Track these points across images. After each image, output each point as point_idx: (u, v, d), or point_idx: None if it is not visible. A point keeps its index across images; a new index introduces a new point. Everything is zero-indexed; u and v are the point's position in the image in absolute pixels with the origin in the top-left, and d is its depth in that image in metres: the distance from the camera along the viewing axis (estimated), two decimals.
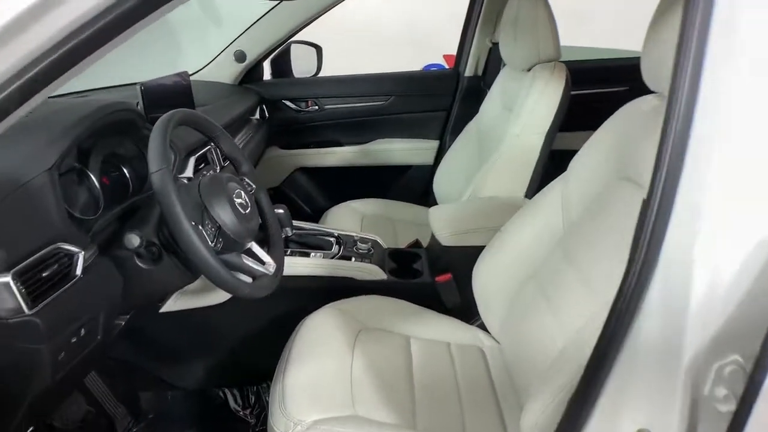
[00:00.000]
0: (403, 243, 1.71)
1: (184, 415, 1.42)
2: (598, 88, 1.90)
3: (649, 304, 0.56)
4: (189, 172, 1.21)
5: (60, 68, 0.51)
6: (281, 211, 1.35)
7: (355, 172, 2.14)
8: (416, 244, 1.57)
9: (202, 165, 1.29)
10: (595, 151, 1.02)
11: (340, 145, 2.12)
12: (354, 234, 1.50)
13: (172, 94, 1.31)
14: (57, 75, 0.51)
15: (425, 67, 4.77)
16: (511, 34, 1.52)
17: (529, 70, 1.52)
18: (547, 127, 1.43)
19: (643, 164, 0.82)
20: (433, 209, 1.43)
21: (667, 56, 0.66)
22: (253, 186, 1.11)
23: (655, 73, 0.84)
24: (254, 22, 1.86)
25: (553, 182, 1.12)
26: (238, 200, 0.95)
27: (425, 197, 2.18)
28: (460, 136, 1.90)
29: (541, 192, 1.15)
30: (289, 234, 1.37)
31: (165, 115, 0.90)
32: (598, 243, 0.91)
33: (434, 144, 2.12)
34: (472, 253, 1.25)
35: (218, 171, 1.32)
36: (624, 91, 1.99)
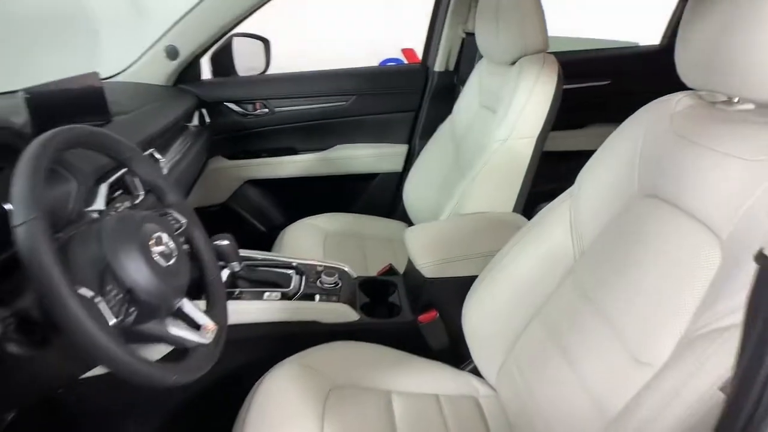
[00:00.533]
0: (375, 267, 1.48)
1: None
2: (577, 83, 1.72)
3: None
4: (100, 203, 0.93)
5: None
6: (225, 243, 1.10)
7: (313, 184, 1.89)
8: (390, 270, 1.34)
9: (119, 192, 1.02)
10: (612, 162, 0.84)
11: (296, 152, 1.86)
12: (317, 263, 1.26)
13: (75, 103, 1.02)
14: None
15: (382, 62, 4.53)
16: (491, 23, 1.30)
17: (513, 63, 1.31)
18: (539, 131, 1.23)
19: (681, 179, 0.69)
20: (410, 231, 1.20)
21: (737, 51, 0.56)
22: (182, 221, 0.84)
23: (705, 69, 0.64)
24: (187, 12, 1.57)
25: (558, 199, 0.92)
26: (158, 248, 0.69)
27: (394, 208, 1.95)
28: (431, 139, 1.68)
29: (543, 210, 0.94)
30: (237, 270, 1.12)
31: (39, 139, 0.62)
32: (622, 275, 0.74)
33: (402, 149, 1.89)
34: (461, 284, 1.03)
35: (139, 200, 1.04)
36: (605, 85, 1.82)
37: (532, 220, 0.96)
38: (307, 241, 1.58)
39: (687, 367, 0.57)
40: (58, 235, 0.66)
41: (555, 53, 1.29)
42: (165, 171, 1.22)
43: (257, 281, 1.16)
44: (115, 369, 0.58)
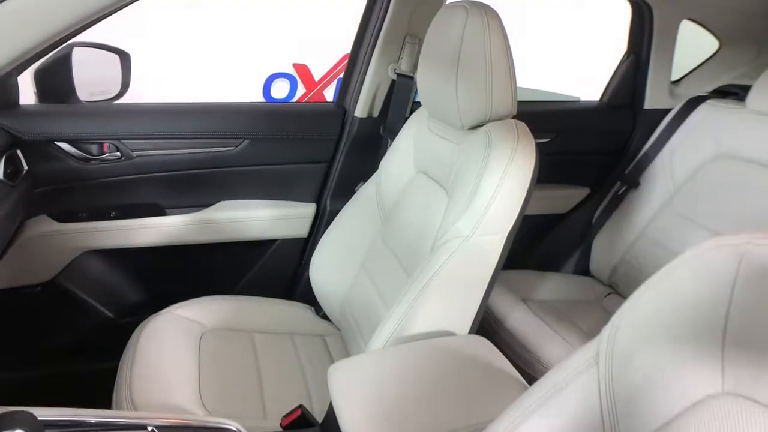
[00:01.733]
0: (274, 398, 1.06)
1: None
2: None
3: None
4: None
5: None
6: None
7: (186, 254, 1.40)
8: (301, 417, 0.92)
9: None
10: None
11: (161, 212, 1.36)
12: (187, 422, 0.81)
13: None
14: None
15: (269, 78, 4.04)
16: (445, 75, 0.97)
17: (473, 128, 0.99)
18: (511, 224, 0.91)
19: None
20: (337, 380, 0.81)
21: None
22: None
23: None
24: None
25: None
26: None
27: (295, 284, 1.53)
28: (351, 203, 1.31)
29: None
30: None
31: None
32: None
33: (310, 209, 1.48)
34: None
35: None
36: (547, 142, 1.59)
37: (540, 385, 0.65)
38: (174, 347, 1.11)
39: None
40: None
41: None
42: None
43: None
44: None
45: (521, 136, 0.92)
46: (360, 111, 1.39)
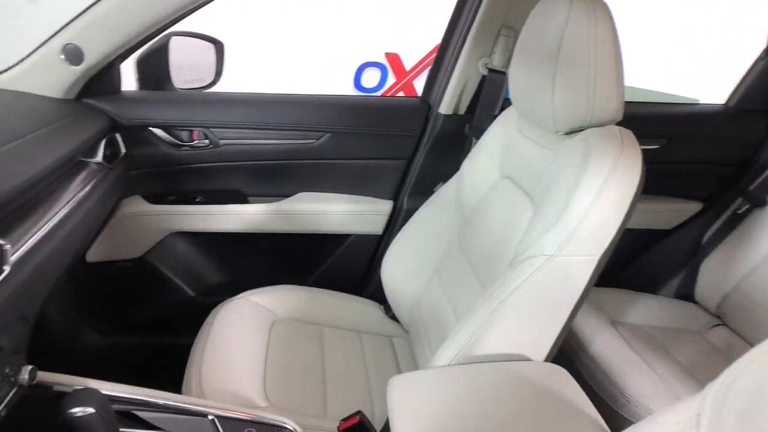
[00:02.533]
0: (337, 397, 1.04)
1: None
2: None
3: None
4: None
5: None
6: (88, 411, 0.65)
7: (264, 242, 1.42)
8: (358, 424, 0.89)
9: None
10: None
11: (244, 200, 1.39)
12: (247, 417, 0.82)
13: None
14: None
15: (360, 67, 4.05)
16: (541, 73, 0.87)
17: (569, 133, 0.89)
18: (605, 247, 0.81)
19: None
20: (397, 396, 0.76)
21: None
22: None
23: None
24: (96, 1, 1.07)
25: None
26: None
27: (367, 282, 1.51)
28: (429, 202, 1.25)
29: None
30: None
31: None
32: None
33: (386, 206, 1.44)
34: None
35: None
36: (656, 149, 1.43)
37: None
38: (247, 333, 1.13)
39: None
40: None
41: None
42: (7, 267, 0.74)
43: None
44: None
45: (626, 147, 0.80)
46: (445, 107, 1.31)
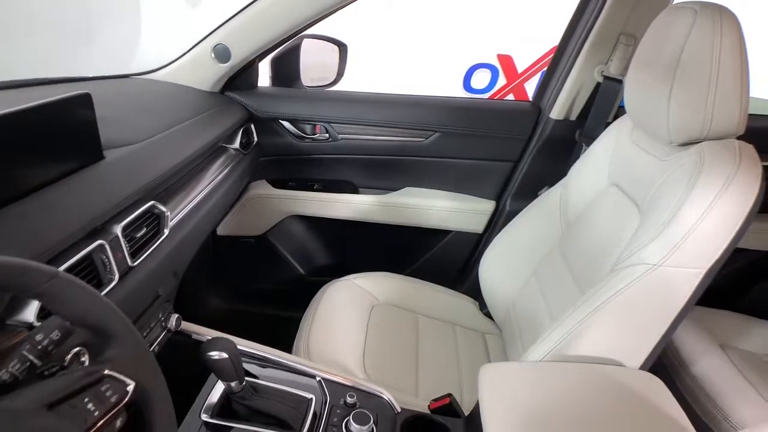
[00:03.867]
0: (427, 379, 1.11)
1: None
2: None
3: None
4: (30, 312, 0.62)
5: None
6: (223, 356, 0.77)
7: (370, 231, 1.53)
8: (449, 405, 0.96)
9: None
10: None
11: (355, 190, 1.50)
12: (350, 383, 0.91)
13: (53, 133, 0.70)
14: None
15: (470, 69, 4.05)
16: (659, 82, 0.87)
17: (684, 144, 0.88)
18: (713, 261, 0.79)
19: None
20: (488, 380, 0.81)
21: None
22: (128, 389, 0.51)
23: None
24: (245, 7, 1.24)
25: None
26: None
27: (463, 279, 1.56)
28: (532, 206, 1.27)
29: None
30: (235, 390, 0.80)
31: None
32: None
33: (488, 206, 1.48)
34: None
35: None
36: None
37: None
38: (350, 312, 1.24)
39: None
40: None
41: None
42: (166, 230, 0.90)
43: (259, 411, 0.83)
44: None
45: (744, 161, 0.78)
46: (556, 113, 1.33)
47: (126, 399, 0.51)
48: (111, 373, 0.51)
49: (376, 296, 1.33)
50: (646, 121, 0.94)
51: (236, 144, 1.30)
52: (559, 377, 0.83)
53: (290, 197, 1.50)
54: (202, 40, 1.30)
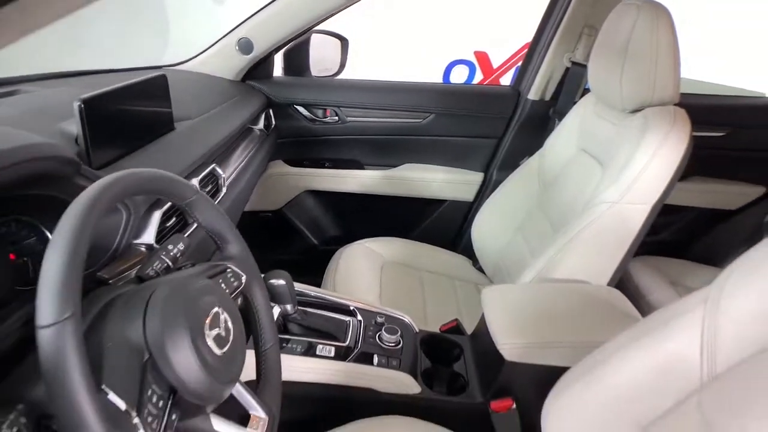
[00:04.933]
0: (435, 313, 1.33)
1: None
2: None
3: None
4: (150, 234, 0.82)
5: None
6: (281, 282, 0.97)
7: (375, 202, 1.75)
8: (456, 327, 1.18)
9: (173, 221, 0.90)
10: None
11: (361, 167, 1.72)
12: (377, 310, 1.12)
13: (135, 111, 0.90)
14: None
15: (450, 64, 4.31)
16: (613, 62, 1.11)
17: (633, 111, 1.12)
18: (656, 198, 1.04)
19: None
20: (489, 295, 1.04)
21: None
22: (242, 278, 0.71)
23: None
24: (267, 4, 1.44)
25: (687, 301, 0.74)
26: (214, 331, 0.56)
27: (458, 241, 1.79)
28: (514, 174, 1.50)
29: (666, 312, 0.77)
30: (290, 313, 0.99)
31: (86, 193, 0.49)
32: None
33: (477, 177, 1.72)
34: (547, 373, 0.87)
35: (192, 230, 0.93)
36: (719, 137, 1.59)
37: (651, 317, 0.78)
38: (364, 268, 1.45)
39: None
40: (99, 277, 0.54)
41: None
42: (224, 189, 1.10)
43: (310, 329, 1.04)
44: None
45: (678, 121, 1.03)
46: (533, 94, 1.57)
47: (242, 286, 0.72)
48: (231, 266, 0.71)
49: (384, 257, 1.54)
50: (604, 93, 1.19)
51: (260, 125, 1.50)
52: (544, 293, 1.06)
53: (304, 174, 1.71)
54: (227, 35, 1.50)
